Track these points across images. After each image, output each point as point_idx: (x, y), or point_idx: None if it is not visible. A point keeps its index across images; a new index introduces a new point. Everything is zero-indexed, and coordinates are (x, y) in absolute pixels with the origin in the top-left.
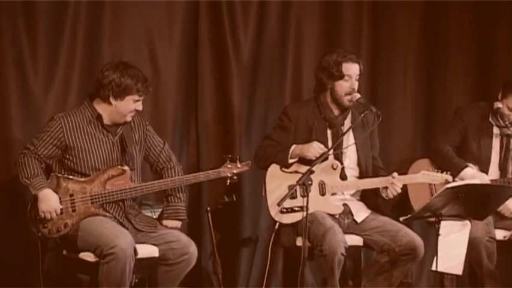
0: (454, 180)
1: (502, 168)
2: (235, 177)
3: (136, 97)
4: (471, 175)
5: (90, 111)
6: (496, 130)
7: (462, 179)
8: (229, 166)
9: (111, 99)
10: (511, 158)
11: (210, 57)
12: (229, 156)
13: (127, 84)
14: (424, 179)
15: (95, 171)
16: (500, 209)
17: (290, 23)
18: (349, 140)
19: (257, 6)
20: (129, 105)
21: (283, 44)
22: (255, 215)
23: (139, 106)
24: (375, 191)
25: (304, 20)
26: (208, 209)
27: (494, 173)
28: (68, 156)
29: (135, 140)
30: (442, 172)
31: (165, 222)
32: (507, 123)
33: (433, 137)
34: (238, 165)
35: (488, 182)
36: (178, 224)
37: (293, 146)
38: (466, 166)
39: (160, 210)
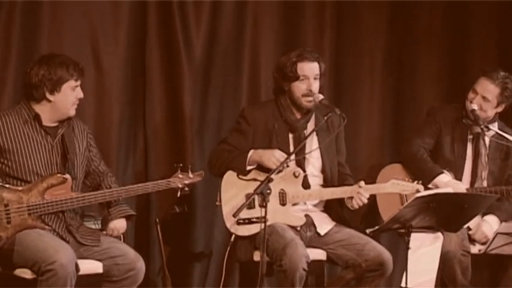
0: (427, 188)
1: (473, 172)
2: (186, 189)
3: (72, 83)
4: (445, 183)
5: (26, 111)
6: (470, 134)
7: (436, 187)
8: (181, 176)
9: (48, 96)
10: (482, 162)
11: (159, 55)
12: (181, 165)
13: (58, 73)
14: (393, 189)
15: (33, 176)
16: (472, 232)
17: (247, 20)
18: (312, 144)
19: (211, 2)
20: (69, 96)
21: (239, 43)
22: (208, 227)
23: (79, 93)
24: (340, 201)
25: (261, 18)
26: (157, 220)
27: (467, 180)
28: (2, 160)
29: (78, 147)
30: (413, 181)
31: (112, 224)
32: (482, 126)
33: (405, 141)
34: (191, 176)
35: (464, 191)
36: (124, 224)
37: (251, 151)
38: (441, 172)
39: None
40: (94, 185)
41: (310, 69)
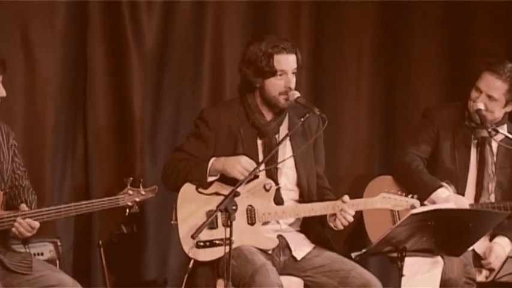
0: (423, 204)
1: (478, 184)
2: (136, 207)
3: None
4: (445, 198)
5: None
6: (474, 139)
7: (433, 203)
8: (131, 193)
9: None
10: (488, 171)
11: (103, 47)
12: (131, 178)
13: None
14: (383, 204)
15: None
16: (484, 258)
17: (208, 3)
18: (286, 152)
19: None
20: None
21: (199, 31)
22: (162, 251)
23: (1, 92)
24: (320, 220)
25: (226, 2)
26: (100, 243)
27: (471, 193)
28: None
29: (3, 154)
30: (407, 195)
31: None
32: (490, 129)
33: (397, 148)
34: (142, 192)
35: (467, 207)
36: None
37: (212, 160)
38: (440, 186)
39: (37, 244)
40: (10, 203)
41: (289, 63)
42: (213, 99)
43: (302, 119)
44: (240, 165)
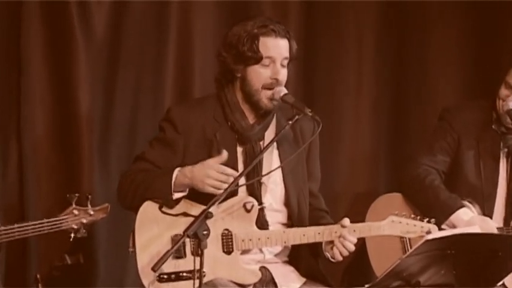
0: (441, 229)
1: (509, 203)
2: (84, 231)
3: None
4: (468, 221)
5: None
6: (504, 147)
7: (454, 227)
8: (76, 213)
9: None
10: None
11: (42, 33)
12: (76, 195)
13: None
14: (392, 230)
15: None
16: None
17: None
18: (272, 163)
19: None
20: None
21: (161, 12)
22: (116, 286)
23: None
24: (314, 249)
25: None
26: (38, 277)
27: (500, 215)
28: None
29: None
30: (422, 218)
31: None
32: None
33: (408, 159)
34: (90, 212)
35: (495, 231)
36: None
37: (176, 171)
38: (461, 206)
39: None
40: None
41: (278, 49)
42: (179, 96)
43: (290, 122)
44: (212, 176)
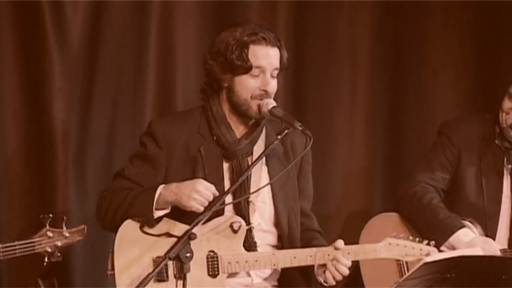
0: (440, 251)
1: None
2: (58, 254)
3: None
4: (469, 242)
5: None
6: (508, 163)
7: (454, 248)
8: (50, 235)
9: None
10: None
11: (13, 39)
12: (50, 216)
13: None
14: (389, 253)
15: None
16: None
17: None
18: (261, 180)
19: None
20: None
21: (141, 17)
22: None
23: None
24: (306, 272)
25: None
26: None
27: (504, 236)
28: None
29: None
30: (422, 240)
31: None
32: None
33: (405, 175)
34: (66, 234)
35: (498, 253)
36: None
37: (160, 188)
38: (462, 226)
39: None
40: None
41: (268, 59)
42: (161, 109)
43: (280, 136)
44: (195, 192)
